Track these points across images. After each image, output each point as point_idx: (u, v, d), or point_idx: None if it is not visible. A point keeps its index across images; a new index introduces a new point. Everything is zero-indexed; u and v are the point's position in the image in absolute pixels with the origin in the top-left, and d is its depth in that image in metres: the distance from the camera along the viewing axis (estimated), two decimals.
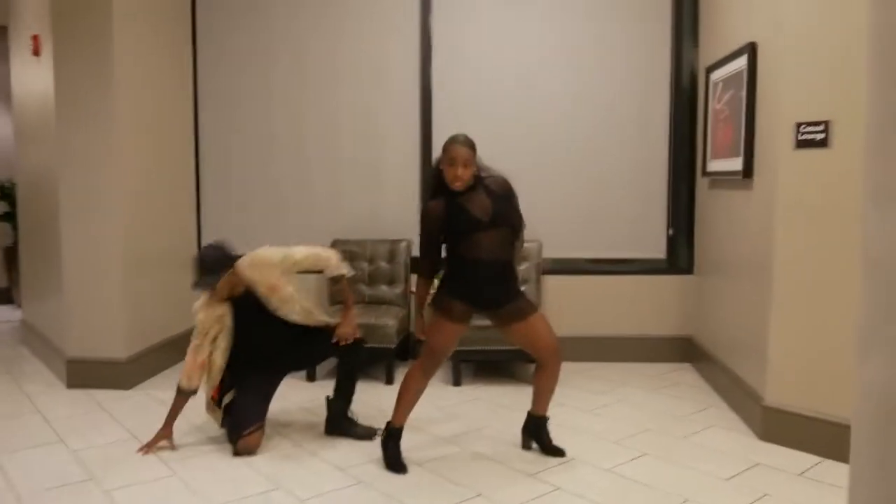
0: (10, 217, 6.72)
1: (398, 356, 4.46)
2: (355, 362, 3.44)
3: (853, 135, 2.92)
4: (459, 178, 2.85)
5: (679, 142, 4.74)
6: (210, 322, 3.24)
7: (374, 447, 3.19)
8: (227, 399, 3.33)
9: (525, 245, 3.27)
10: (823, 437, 3.07)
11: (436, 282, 3.01)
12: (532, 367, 3.31)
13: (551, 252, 4.70)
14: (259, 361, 3.39)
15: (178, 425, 3.32)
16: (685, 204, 4.76)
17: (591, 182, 4.80)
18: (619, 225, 4.82)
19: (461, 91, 4.81)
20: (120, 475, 2.98)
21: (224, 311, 3.25)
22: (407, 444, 3.10)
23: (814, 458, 3.10)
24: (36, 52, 4.52)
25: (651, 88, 4.75)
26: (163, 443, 3.25)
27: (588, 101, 4.77)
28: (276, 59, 4.98)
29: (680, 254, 4.80)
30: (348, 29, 4.90)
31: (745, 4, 3.75)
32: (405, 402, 3.04)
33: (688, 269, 4.76)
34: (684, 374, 4.51)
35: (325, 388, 3.67)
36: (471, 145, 2.89)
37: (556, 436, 3.23)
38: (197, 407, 3.42)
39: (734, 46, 3.77)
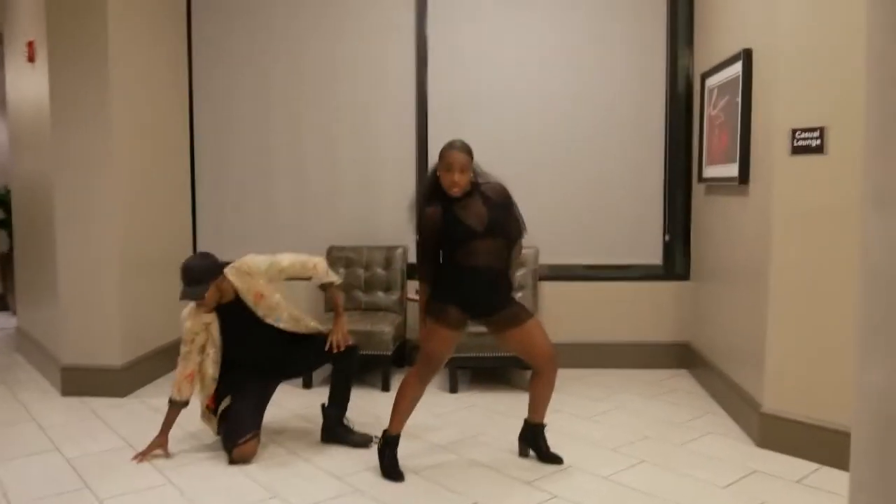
0: (6, 224, 6.69)
1: (394, 363, 4.44)
2: (349, 369, 3.43)
3: (849, 141, 2.92)
4: (456, 183, 2.85)
5: (675, 148, 4.75)
6: (197, 329, 3.22)
7: (371, 455, 3.17)
8: (223, 405, 3.31)
9: (522, 251, 3.26)
10: (821, 444, 3.06)
11: None
12: (528, 374, 3.29)
13: (548, 258, 4.70)
14: (252, 369, 3.38)
15: (173, 433, 3.30)
16: (681, 210, 4.76)
17: (587, 188, 4.80)
18: (615, 231, 4.81)
19: (457, 94, 4.81)
20: (115, 483, 2.96)
21: (211, 320, 3.23)
22: (403, 451, 3.08)
23: (811, 465, 3.09)
24: (31, 59, 4.51)
25: (647, 95, 4.75)
26: (157, 451, 3.23)
27: (584, 106, 4.77)
28: (272, 63, 4.98)
29: (676, 260, 4.79)
30: (345, 31, 4.89)
31: (739, 11, 3.76)
32: (402, 410, 3.03)
33: (684, 275, 4.76)
34: (681, 381, 4.50)
35: (321, 395, 3.65)
36: (468, 151, 2.88)
37: (554, 443, 3.21)
38: (192, 415, 3.40)
39: (729, 53, 3.77)
